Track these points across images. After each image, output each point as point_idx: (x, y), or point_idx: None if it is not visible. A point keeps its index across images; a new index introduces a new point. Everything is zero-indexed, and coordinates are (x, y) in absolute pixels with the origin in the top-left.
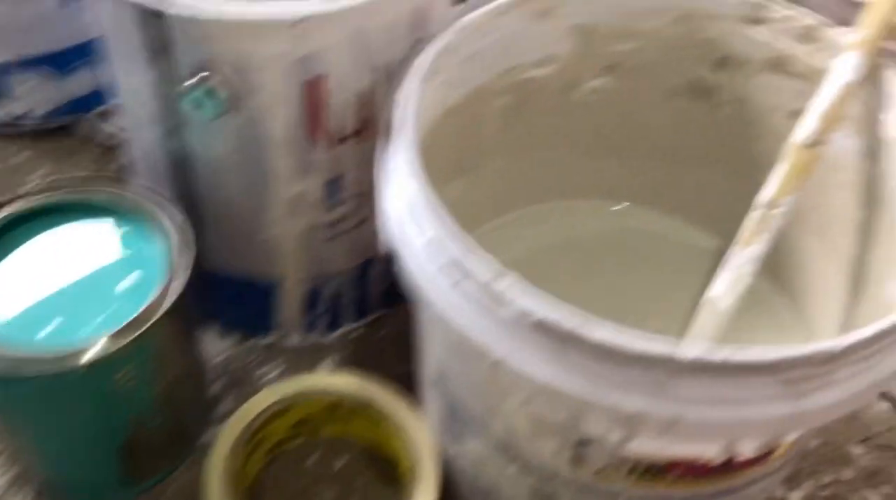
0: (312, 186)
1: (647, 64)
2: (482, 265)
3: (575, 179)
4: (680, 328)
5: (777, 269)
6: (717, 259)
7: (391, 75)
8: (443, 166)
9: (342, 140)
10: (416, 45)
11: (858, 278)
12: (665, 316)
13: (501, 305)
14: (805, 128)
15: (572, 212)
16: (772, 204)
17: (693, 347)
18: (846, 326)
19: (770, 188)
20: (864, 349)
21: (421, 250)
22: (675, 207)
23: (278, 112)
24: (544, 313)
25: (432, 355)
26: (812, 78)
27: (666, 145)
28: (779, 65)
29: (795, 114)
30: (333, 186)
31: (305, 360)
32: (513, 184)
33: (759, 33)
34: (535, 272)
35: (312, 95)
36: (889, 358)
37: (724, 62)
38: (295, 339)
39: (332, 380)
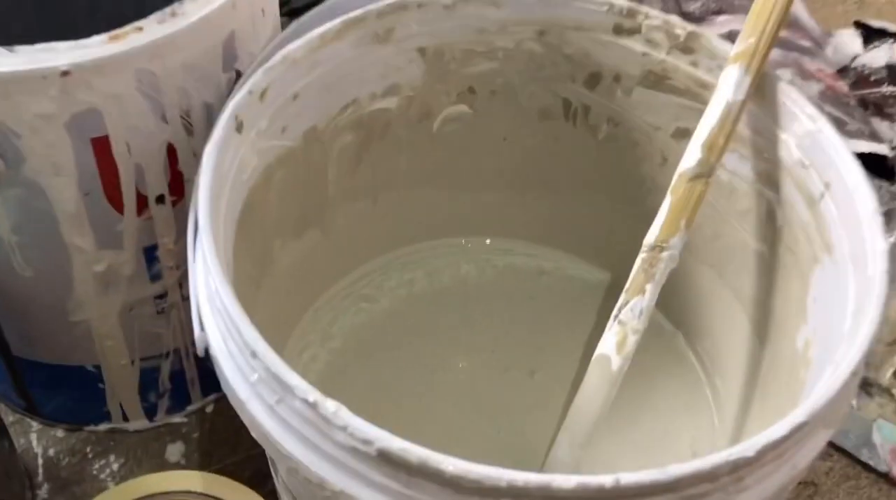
0: (124, 258)
1: (509, 86)
2: (304, 386)
3: (444, 218)
4: (570, 385)
5: (673, 304)
6: (609, 294)
7: (200, 124)
8: (285, 219)
9: (158, 201)
10: (234, 83)
11: (762, 321)
12: (553, 369)
13: (333, 431)
14: (688, 158)
15: (444, 253)
16: (658, 246)
17: (570, 478)
18: (752, 375)
19: (655, 228)
20: (776, 449)
21: (232, 358)
22: (558, 241)
23: (61, 180)
24: (385, 443)
25: (274, 465)
26: (697, 93)
27: (542, 174)
28: (658, 79)
29: (682, 133)
30: (151, 255)
31: (152, 447)
32: (372, 228)
33: (633, 44)
34: (409, 325)
35: (101, 156)
36: (804, 451)
37: (597, 78)
38: (138, 423)
39: (174, 479)
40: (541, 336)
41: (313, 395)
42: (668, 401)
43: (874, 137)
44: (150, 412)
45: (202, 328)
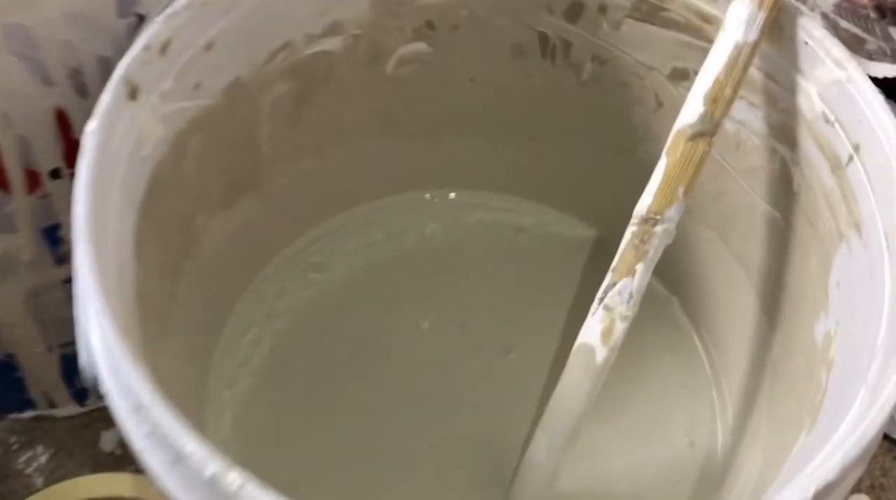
0: (20, 242)
1: (475, 18)
2: (202, 454)
3: (404, 171)
4: (551, 366)
5: (668, 266)
6: (596, 253)
7: (95, 83)
8: (208, 190)
9: (53, 175)
10: (136, 29)
11: (772, 299)
12: (532, 347)
13: None
14: (688, 113)
15: (406, 210)
16: (651, 218)
17: None
18: (759, 359)
19: (647, 197)
20: None
21: (126, 413)
22: (536, 193)
23: None
24: None
25: None
26: (699, 27)
27: (516, 119)
28: (651, 10)
29: (680, 74)
30: (53, 237)
31: (83, 435)
32: (321, 188)
33: None
34: (367, 297)
35: None
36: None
37: (578, 8)
38: (67, 409)
39: (103, 483)
40: (518, 307)
41: (212, 466)
42: (663, 379)
43: None
44: (80, 397)
45: (89, 354)
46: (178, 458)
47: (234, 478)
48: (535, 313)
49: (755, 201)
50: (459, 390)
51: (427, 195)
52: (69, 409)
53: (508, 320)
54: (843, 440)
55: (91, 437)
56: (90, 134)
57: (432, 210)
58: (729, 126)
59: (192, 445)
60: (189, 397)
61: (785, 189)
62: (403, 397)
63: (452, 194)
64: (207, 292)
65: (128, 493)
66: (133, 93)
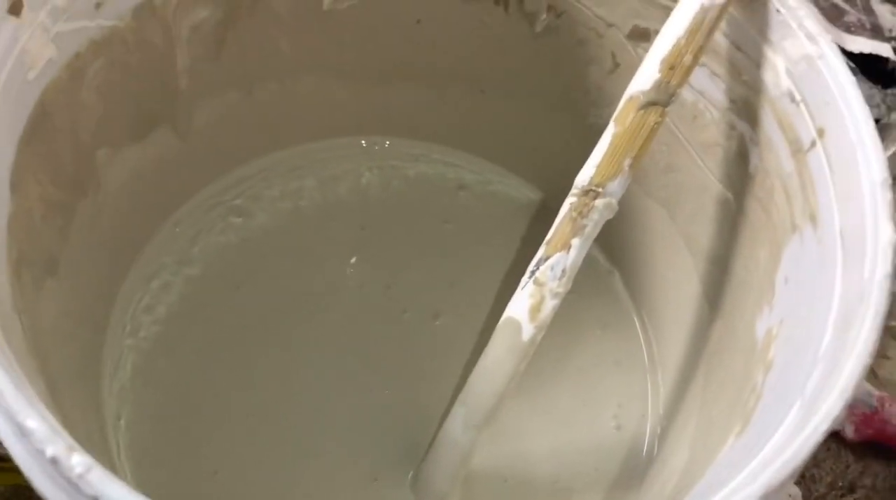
0: None
1: None
2: (44, 432)
3: (340, 114)
4: (479, 335)
5: (611, 238)
6: (538, 218)
7: None
8: (112, 121)
9: None
10: None
11: (715, 285)
12: (462, 313)
13: (78, 492)
14: (641, 79)
15: (341, 157)
16: (592, 190)
17: None
18: (696, 345)
19: (589, 166)
20: None
21: None
22: (481, 148)
23: None
24: None
25: None
26: None
27: (463, 67)
28: None
29: (640, 34)
30: None
31: None
32: (247, 126)
33: None
34: (289, 248)
35: None
36: None
37: None
38: None
39: None
40: (451, 270)
41: (54, 446)
42: (596, 356)
43: (876, 31)
44: None
45: None
46: (20, 432)
47: (78, 461)
48: (468, 277)
49: (708, 180)
50: (379, 353)
51: (363, 142)
52: None
53: (439, 283)
54: (770, 459)
55: None
56: None
57: (369, 158)
58: (687, 95)
59: (34, 421)
60: (81, 342)
61: (741, 170)
62: (318, 358)
63: (388, 142)
64: (111, 233)
65: None
66: (16, 7)
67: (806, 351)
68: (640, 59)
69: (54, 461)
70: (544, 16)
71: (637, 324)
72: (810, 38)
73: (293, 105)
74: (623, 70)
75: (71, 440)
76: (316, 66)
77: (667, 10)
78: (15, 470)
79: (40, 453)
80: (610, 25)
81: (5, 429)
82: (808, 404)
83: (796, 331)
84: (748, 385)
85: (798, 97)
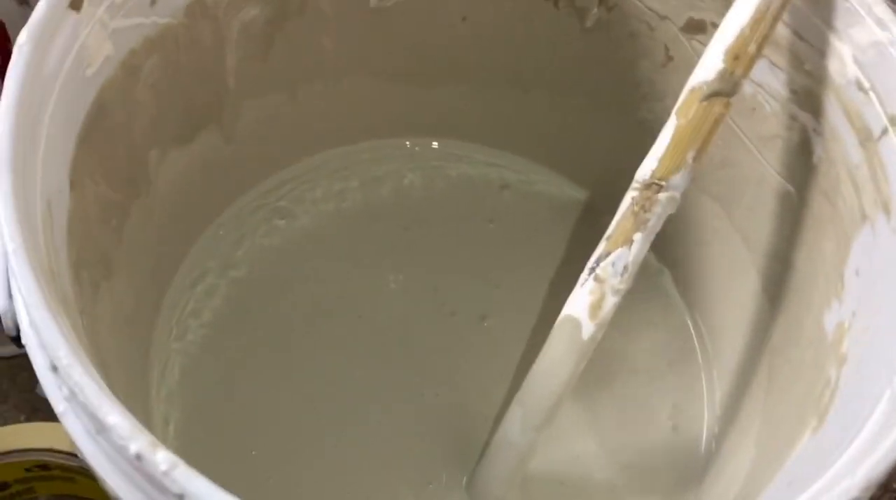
0: None
1: None
2: (127, 428)
3: (384, 115)
4: (529, 336)
5: (662, 235)
6: (585, 218)
7: None
8: (164, 121)
9: None
10: None
11: (776, 279)
12: (510, 314)
13: (166, 496)
14: (705, 69)
15: (384, 158)
16: (655, 183)
17: None
18: (756, 342)
19: (651, 159)
20: None
21: (45, 370)
22: (525, 148)
23: None
24: None
25: None
26: None
27: (509, 66)
28: None
29: (696, 26)
30: None
31: (20, 377)
32: (291, 128)
33: None
34: (334, 250)
35: None
36: None
37: None
38: (5, 349)
39: (32, 433)
40: (497, 271)
41: (137, 443)
42: (649, 357)
43: None
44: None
45: (10, 296)
46: (100, 428)
47: (163, 457)
48: (514, 278)
49: (767, 173)
50: (428, 356)
51: (407, 143)
52: (7, 349)
53: (486, 284)
54: (864, 451)
55: (28, 380)
56: (21, 46)
57: (412, 159)
58: (745, 88)
59: (115, 416)
60: (132, 346)
61: (803, 161)
62: (366, 361)
63: (435, 144)
64: (159, 235)
65: (63, 446)
66: (76, 1)
67: (888, 342)
68: (694, 52)
69: (139, 458)
70: (595, 10)
71: (689, 323)
72: (880, 24)
73: (338, 106)
74: (676, 63)
75: (153, 437)
76: (361, 67)
77: (724, 1)
78: (56, 478)
79: (123, 449)
80: (663, 18)
81: (77, 427)
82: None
83: (874, 322)
84: (820, 380)
85: (867, 85)
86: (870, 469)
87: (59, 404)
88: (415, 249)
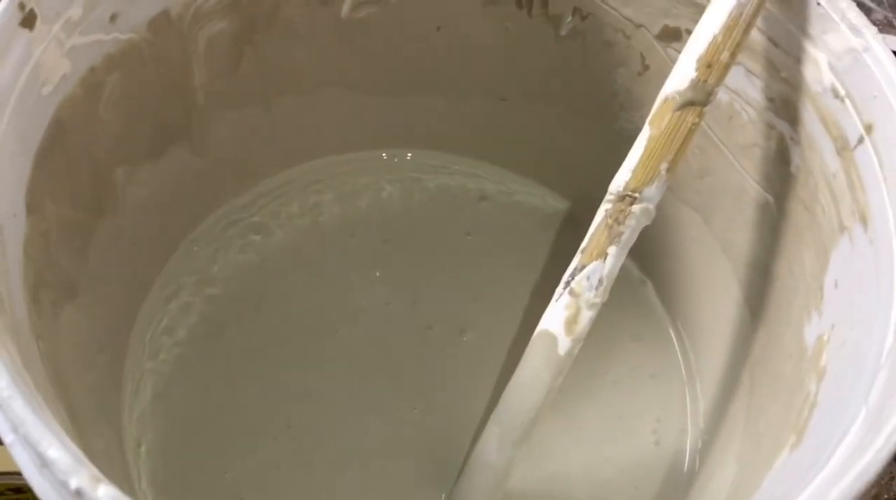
0: None
1: None
2: (68, 462)
3: (359, 127)
4: (509, 351)
5: (643, 247)
6: (566, 229)
7: None
8: (129, 139)
9: None
10: None
11: (757, 291)
12: (489, 328)
13: None
14: (677, 78)
15: (360, 170)
16: (628, 196)
17: None
18: (739, 354)
19: (625, 171)
20: None
21: None
22: (504, 159)
23: None
24: None
25: None
26: None
27: (485, 75)
28: None
29: (671, 34)
30: None
31: None
32: (265, 143)
33: None
34: (311, 265)
35: None
36: None
37: None
38: None
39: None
40: (476, 283)
41: (77, 478)
42: (631, 369)
43: None
44: None
45: None
46: (42, 462)
47: (105, 493)
48: (494, 291)
49: (745, 182)
50: (406, 372)
51: (383, 155)
52: None
53: (465, 297)
54: (839, 472)
55: None
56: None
57: (389, 171)
58: (722, 95)
59: (56, 450)
60: (102, 367)
61: (781, 171)
62: (343, 378)
63: (409, 155)
64: (129, 254)
65: None
66: (28, 20)
67: (865, 357)
68: (671, 60)
69: (79, 494)
70: (569, 18)
71: (672, 335)
72: (854, 30)
73: (312, 119)
74: (653, 72)
75: (96, 471)
76: (335, 79)
77: (699, 8)
78: None
79: (63, 485)
80: (638, 26)
81: (24, 460)
82: (874, 412)
83: (852, 335)
84: (800, 394)
85: (842, 92)
86: (843, 492)
87: (6, 436)
88: (393, 262)
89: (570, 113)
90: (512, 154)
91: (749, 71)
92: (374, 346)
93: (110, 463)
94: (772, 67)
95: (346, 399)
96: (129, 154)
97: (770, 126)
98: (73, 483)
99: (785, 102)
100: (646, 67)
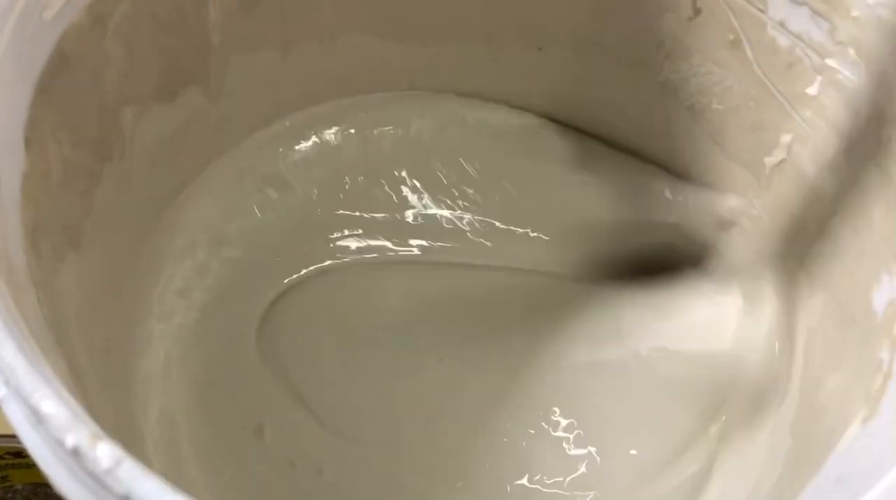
0: None
1: None
2: (65, 417)
3: (386, 75)
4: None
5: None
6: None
7: None
8: (139, 77)
9: None
10: None
11: (813, 252)
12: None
13: (105, 491)
14: None
15: (385, 110)
16: None
17: None
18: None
19: None
20: None
21: None
22: (539, 112)
23: None
24: None
25: None
26: None
27: (523, 22)
28: None
29: None
30: None
31: None
32: (277, 89)
33: None
34: (337, 213)
35: None
36: None
37: None
38: None
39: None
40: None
41: (75, 435)
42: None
43: None
44: None
45: None
46: (36, 417)
47: (105, 453)
48: (525, 254)
49: (805, 135)
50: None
51: (411, 96)
52: None
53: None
54: None
55: None
56: None
57: (422, 112)
58: (783, 40)
59: (51, 403)
60: (105, 324)
61: (849, 121)
62: (390, 353)
63: (448, 99)
64: (136, 203)
65: None
66: None
67: None
68: (726, 5)
69: (76, 453)
70: None
71: None
72: None
73: (335, 66)
74: (705, 17)
75: (96, 428)
76: (361, 24)
77: None
78: (34, 466)
79: (59, 442)
80: None
81: (18, 415)
82: None
83: None
84: (870, 365)
85: None
86: None
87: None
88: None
89: (609, 63)
90: (545, 106)
91: (815, 11)
92: (415, 317)
93: (117, 425)
94: (842, 6)
95: (389, 370)
96: (138, 94)
97: (835, 72)
98: (70, 441)
99: (855, 44)
100: (697, 11)
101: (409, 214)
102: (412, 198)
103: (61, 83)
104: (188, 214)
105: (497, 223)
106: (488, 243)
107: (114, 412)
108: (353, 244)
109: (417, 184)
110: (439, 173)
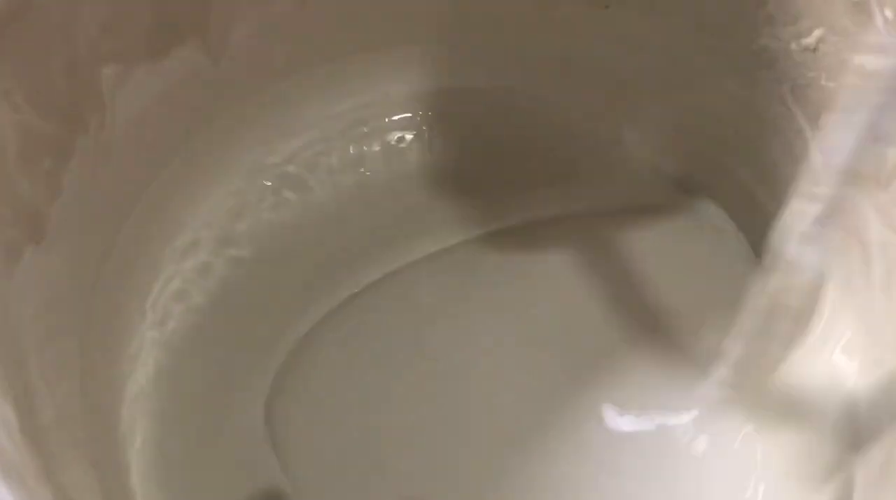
0: None
1: None
2: None
3: (410, 29)
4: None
5: None
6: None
7: None
8: (121, 30)
9: None
10: None
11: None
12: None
13: None
14: None
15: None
16: None
17: None
18: None
19: None
20: None
21: None
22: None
23: None
24: None
25: None
26: None
27: None
28: None
29: None
30: None
31: None
32: (288, 45)
33: None
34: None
35: None
36: None
37: None
38: None
39: None
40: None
41: None
42: None
43: None
44: None
45: None
46: None
47: None
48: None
49: None
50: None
51: (417, 53)
52: None
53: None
54: None
55: None
56: None
57: (426, 72)
58: None
59: None
60: (76, 333)
61: None
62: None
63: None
64: (118, 185)
65: None
66: None
67: None
68: None
69: None
70: None
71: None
72: None
73: (358, 20)
74: None
75: None
76: None
77: None
78: None
79: None
80: None
81: None
82: None
83: None
84: None
85: None
86: None
87: None
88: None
89: (691, 25)
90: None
91: None
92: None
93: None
94: None
95: (404, 403)
96: (122, 50)
97: None
98: None
99: None
100: None
101: None
102: None
103: (20, 31)
104: (188, 207)
105: None
106: None
107: (84, 437)
108: None
109: None
110: None
